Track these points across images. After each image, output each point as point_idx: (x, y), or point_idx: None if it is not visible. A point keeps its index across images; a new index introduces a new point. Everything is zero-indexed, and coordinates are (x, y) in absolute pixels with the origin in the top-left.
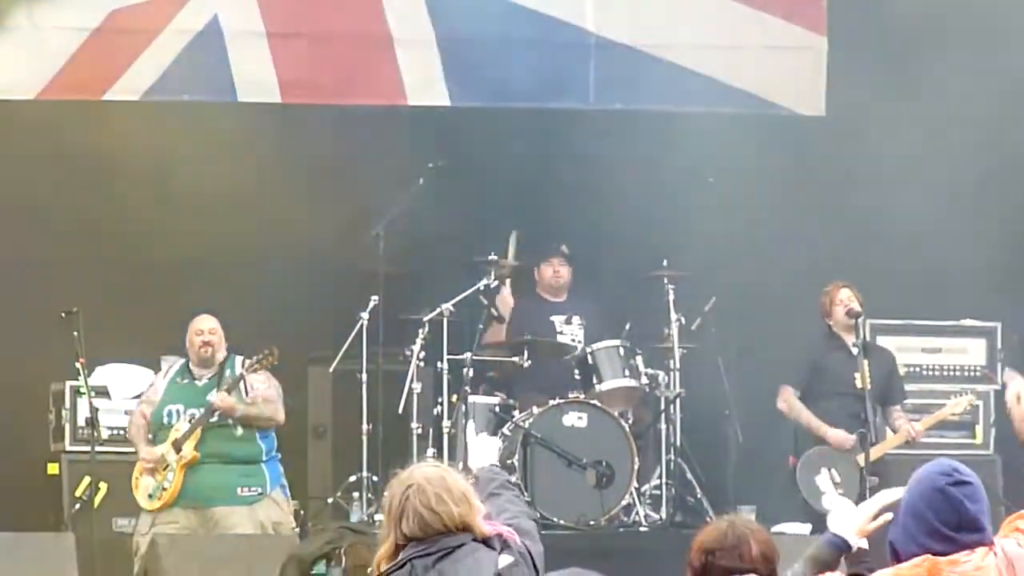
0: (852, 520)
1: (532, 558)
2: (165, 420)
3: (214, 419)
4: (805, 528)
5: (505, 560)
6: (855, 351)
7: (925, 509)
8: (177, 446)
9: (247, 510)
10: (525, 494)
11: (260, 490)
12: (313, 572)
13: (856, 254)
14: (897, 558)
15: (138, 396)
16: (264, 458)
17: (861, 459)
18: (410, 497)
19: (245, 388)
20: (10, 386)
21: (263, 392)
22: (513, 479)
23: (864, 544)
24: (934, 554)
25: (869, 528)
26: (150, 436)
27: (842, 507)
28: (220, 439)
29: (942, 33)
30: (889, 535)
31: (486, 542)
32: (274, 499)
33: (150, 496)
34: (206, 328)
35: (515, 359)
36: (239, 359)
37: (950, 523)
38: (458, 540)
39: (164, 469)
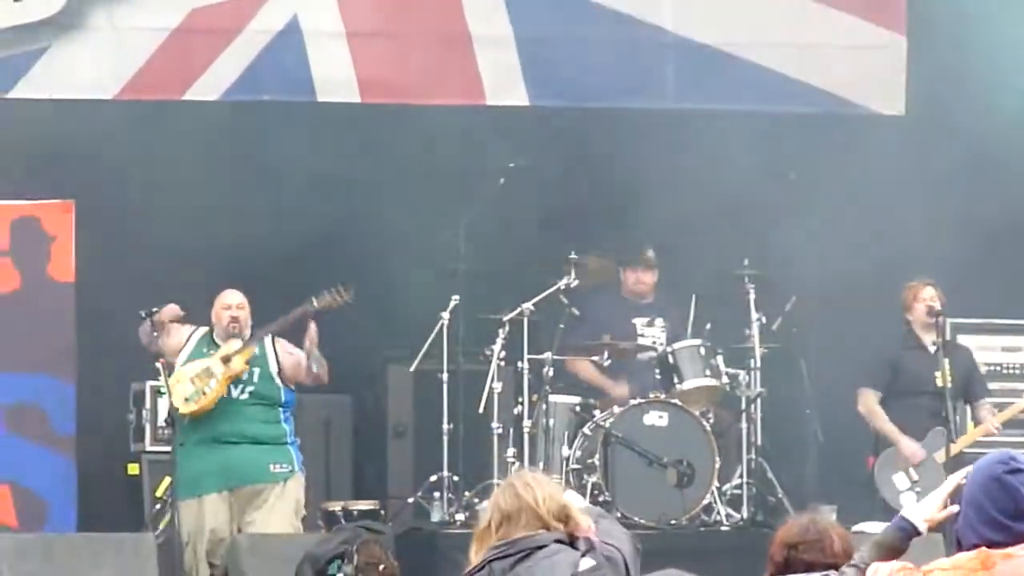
0: (924, 506)
1: (625, 561)
2: None
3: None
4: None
5: (586, 564)
6: (932, 349)
7: (983, 499)
8: (226, 359)
9: (280, 487)
10: (606, 492)
11: (291, 467)
12: (328, 572)
13: (937, 252)
14: (960, 548)
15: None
16: (288, 440)
17: (940, 456)
18: (512, 477)
19: (276, 358)
20: (91, 386)
21: (293, 357)
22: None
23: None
24: (991, 544)
25: (937, 518)
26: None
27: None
28: (248, 420)
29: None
30: (955, 525)
31: (572, 543)
32: (299, 479)
33: (187, 399)
34: (234, 303)
35: (595, 359)
36: (267, 337)
37: (1007, 511)
38: (538, 541)
39: (208, 378)
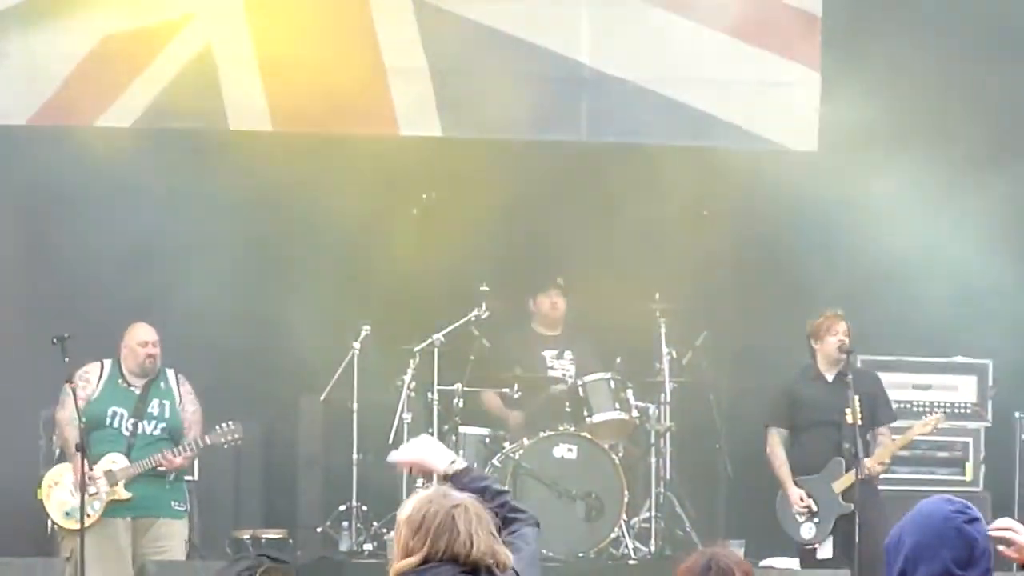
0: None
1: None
2: (108, 421)
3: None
4: (793, 562)
5: None
6: (830, 379)
7: (939, 547)
8: (112, 479)
9: (179, 524)
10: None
11: (186, 507)
12: None
13: (847, 288)
14: None
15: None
16: (185, 476)
17: (837, 485)
18: (456, 516)
19: (180, 398)
20: (1, 412)
21: (192, 416)
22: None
23: None
24: None
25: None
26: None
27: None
28: (154, 453)
29: (931, 64)
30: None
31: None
32: (189, 516)
33: (67, 515)
34: (150, 340)
35: (505, 391)
36: (171, 372)
37: (960, 561)
38: (448, 571)
39: (92, 495)
